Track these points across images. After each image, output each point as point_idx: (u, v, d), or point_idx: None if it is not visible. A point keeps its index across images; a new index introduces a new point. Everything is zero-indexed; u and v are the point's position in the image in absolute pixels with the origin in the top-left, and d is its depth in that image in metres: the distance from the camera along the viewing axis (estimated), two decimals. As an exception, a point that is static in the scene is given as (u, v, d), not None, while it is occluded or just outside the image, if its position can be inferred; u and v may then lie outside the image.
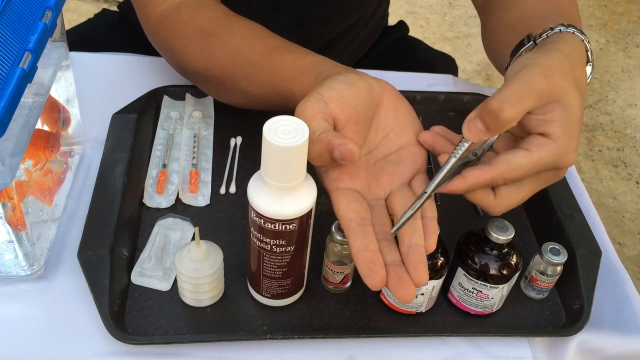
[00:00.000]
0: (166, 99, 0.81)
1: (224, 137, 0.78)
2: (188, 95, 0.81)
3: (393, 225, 0.52)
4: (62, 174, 0.69)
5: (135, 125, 0.74)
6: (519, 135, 0.54)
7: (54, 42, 0.64)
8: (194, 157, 0.74)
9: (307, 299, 0.63)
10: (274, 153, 0.48)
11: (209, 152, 0.76)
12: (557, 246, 0.63)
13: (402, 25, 1.11)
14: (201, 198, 0.71)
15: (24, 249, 0.60)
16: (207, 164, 0.75)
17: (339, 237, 0.59)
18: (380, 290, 0.63)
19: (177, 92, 0.81)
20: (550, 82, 0.50)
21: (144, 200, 0.70)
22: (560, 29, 0.57)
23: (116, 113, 0.75)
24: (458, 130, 0.56)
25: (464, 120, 0.50)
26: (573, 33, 0.57)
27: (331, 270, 0.62)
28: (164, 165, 0.73)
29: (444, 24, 2.47)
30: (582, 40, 0.57)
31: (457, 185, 0.51)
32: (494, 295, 0.61)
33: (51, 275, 0.64)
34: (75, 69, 0.73)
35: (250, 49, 0.66)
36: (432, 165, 0.73)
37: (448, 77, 0.92)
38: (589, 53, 0.58)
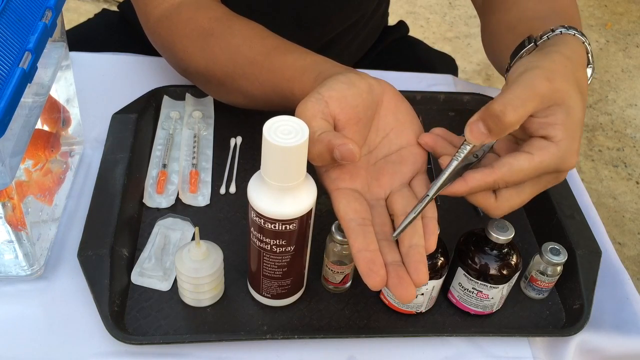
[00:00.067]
0: (166, 99, 0.80)
1: (224, 137, 0.78)
2: (188, 95, 0.81)
3: (393, 225, 0.52)
4: (62, 174, 0.69)
5: (135, 125, 0.74)
6: (519, 137, 0.54)
7: (54, 42, 0.64)
8: (194, 157, 0.74)
9: (307, 299, 0.63)
10: (274, 153, 0.48)
11: (209, 152, 0.76)
12: (557, 246, 0.63)
13: (402, 25, 1.11)
14: (201, 198, 0.71)
15: (24, 249, 0.60)
16: (207, 164, 0.75)
17: (339, 237, 0.59)
18: (380, 290, 0.63)
19: (177, 92, 0.81)
20: (553, 85, 0.50)
21: (144, 200, 0.70)
22: (561, 31, 0.57)
23: (116, 113, 0.75)
24: (458, 131, 0.56)
25: (466, 122, 0.50)
26: (574, 35, 0.57)
27: (331, 270, 0.62)
28: (164, 165, 0.73)
29: (444, 24, 2.47)
30: (583, 42, 0.57)
31: (458, 188, 0.51)
32: (494, 295, 0.61)
33: (51, 275, 0.64)
34: (75, 69, 0.73)
35: (250, 49, 0.66)
36: (432, 166, 0.73)
37: (448, 77, 0.92)
38: (589, 55, 0.58)
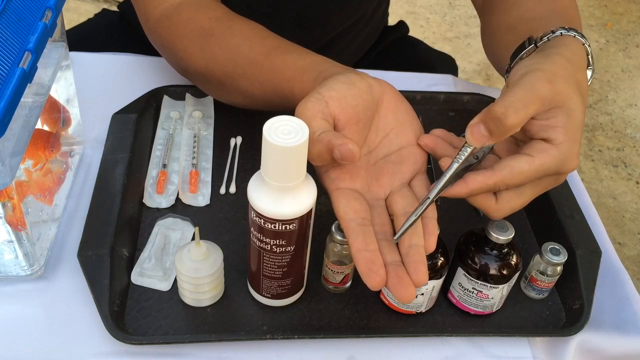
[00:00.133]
0: (166, 99, 0.80)
1: (224, 137, 0.78)
2: (188, 95, 0.81)
3: (393, 225, 0.52)
4: (62, 174, 0.69)
5: (135, 125, 0.74)
6: (520, 139, 0.54)
7: (54, 42, 0.64)
8: (194, 157, 0.74)
9: (307, 299, 0.63)
10: (274, 153, 0.48)
11: (209, 152, 0.76)
12: (557, 246, 0.63)
13: (402, 25, 1.11)
14: (201, 198, 0.71)
15: (24, 249, 0.60)
16: (207, 164, 0.75)
17: (339, 237, 0.59)
18: (380, 290, 0.63)
19: (177, 92, 0.81)
20: (554, 87, 0.50)
21: (144, 200, 0.70)
22: (561, 32, 0.57)
23: (116, 113, 0.75)
24: (458, 131, 0.56)
25: (466, 123, 0.50)
26: (574, 36, 0.57)
27: (331, 270, 0.62)
28: (164, 165, 0.73)
29: (444, 24, 2.47)
30: (583, 44, 0.57)
31: (459, 190, 0.51)
32: (494, 295, 0.61)
33: (51, 275, 0.64)
34: (75, 69, 0.73)
35: (250, 49, 0.66)
36: (432, 166, 0.73)
37: (448, 77, 0.92)
38: (589, 57, 0.58)
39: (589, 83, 0.58)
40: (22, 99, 0.50)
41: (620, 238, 1.78)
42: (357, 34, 0.99)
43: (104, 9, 1.07)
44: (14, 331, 0.59)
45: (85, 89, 0.79)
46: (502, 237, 0.58)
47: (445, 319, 0.64)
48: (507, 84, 0.54)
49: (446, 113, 0.85)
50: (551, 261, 0.62)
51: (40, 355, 0.58)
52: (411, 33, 1.12)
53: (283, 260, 0.56)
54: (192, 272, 0.58)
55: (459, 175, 0.52)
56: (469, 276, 0.60)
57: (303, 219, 0.53)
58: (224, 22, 0.70)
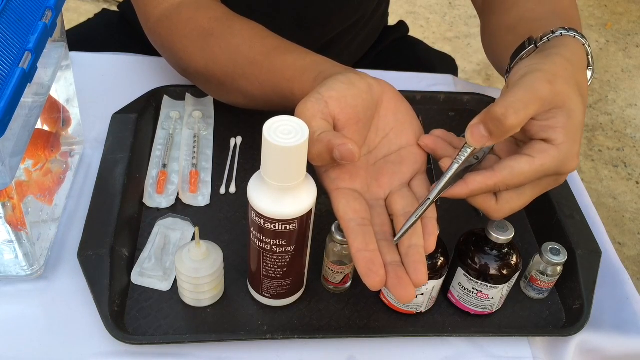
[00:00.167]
0: (166, 99, 0.81)
1: (224, 137, 0.78)
2: (188, 95, 0.81)
3: (393, 225, 0.52)
4: (62, 174, 0.69)
5: (135, 125, 0.74)
6: (520, 139, 0.54)
7: (54, 42, 0.64)
8: (194, 157, 0.74)
9: (307, 299, 0.63)
10: (274, 153, 0.48)
11: (209, 152, 0.76)
12: (557, 246, 0.63)
13: (402, 25, 1.11)
14: (201, 198, 0.71)
15: (24, 249, 0.60)
16: (207, 164, 0.75)
17: (339, 237, 0.59)
18: (380, 290, 0.63)
19: (177, 92, 0.81)
20: (554, 88, 0.50)
21: (144, 200, 0.70)
22: (561, 33, 0.57)
23: (116, 113, 0.75)
24: (458, 131, 0.56)
25: (466, 123, 0.50)
26: (574, 37, 0.57)
27: (331, 270, 0.62)
28: (164, 165, 0.73)
29: (444, 24, 2.47)
30: (583, 44, 0.57)
31: (459, 191, 0.51)
32: (494, 295, 0.61)
33: (51, 275, 0.64)
34: (75, 69, 0.73)
35: (250, 49, 0.66)
36: (432, 166, 0.73)
37: (448, 77, 0.92)
38: (589, 57, 0.58)
39: (589, 83, 0.58)
40: (22, 99, 0.50)
41: (620, 238, 1.78)
42: (357, 34, 0.99)
43: (104, 9, 1.07)
44: (14, 331, 0.59)
45: (85, 89, 0.79)
46: (502, 237, 0.58)
47: (445, 319, 0.64)
48: (507, 85, 0.54)
49: (446, 113, 0.85)
50: (551, 261, 0.62)
51: (40, 355, 0.58)
52: (411, 33, 1.12)
53: (283, 260, 0.56)
54: (192, 272, 0.58)
55: (459, 175, 0.52)
56: (469, 276, 0.60)
57: (303, 219, 0.53)
58: (224, 22, 0.70)
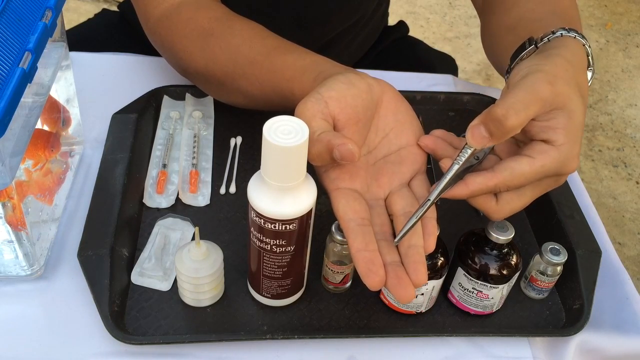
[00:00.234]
0: (166, 99, 0.81)
1: (224, 137, 0.78)
2: (188, 95, 0.81)
3: (392, 226, 0.52)
4: (62, 174, 0.69)
5: (135, 125, 0.74)
6: (520, 140, 0.54)
7: (54, 42, 0.64)
8: (194, 157, 0.74)
9: (307, 299, 0.63)
10: (274, 153, 0.48)
11: (209, 152, 0.76)
12: (557, 246, 0.63)
13: (402, 25, 1.11)
14: (201, 198, 0.71)
15: (24, 249, 0.60)
16: (207, 164, 0.75)
17: (339, 237, 0.59)
18: (380, 290, 0.63)
19: (177, 92, 0.81)
20: (555, 89, 0.50)
21: (144, 200, 0.70)
22: (561, 33, 0.57)
23: (116, 113, 0.75)
24: (458, 131, 0.56)
25: (466, 123, 0.50)
26: (574, 37, 0.57)
27: (331, 270, 0.62)
28: (164, 165, 0.73)
29: (444, 24, 2.47)
30: (583, 45, 0.57)
31: (460, 192, 0.51)
32: (494, 295, 0.61)
33: (51, 275, 0.64)
34: (75, 69, 0.73)
35: (250, 49, 0.66)
36: (432, 166, 0.73)
37: (448, 77, 0.92)
38: (589, 58, 0.58)
39: (589, 84, 0.58)
40: (22, 99, 0.50)
41: (620, 238, 1.78)
42: (357, 34, 0.99)
43: (104, 9, 1.07)
44: (14, 331, 0.59)
45: (85, 89, 0.79)
46: (502, 237, 0.58)
47: (445, 319, 0.64)
48: (507, 85, 0.54)
49: (446, 113, 0.85)
50: (551, 261, 0.62)
51: (40, 355, 0.58)
52: (411, 33, 1.12)
53: (283, 260, 0.56)
54: (192, 272, 0.58)
55: (459, 176, 0.52)
56: (469, 276, 0.60)
57: (303, 219, 0.53)
58: (224, 22, 0.70)
